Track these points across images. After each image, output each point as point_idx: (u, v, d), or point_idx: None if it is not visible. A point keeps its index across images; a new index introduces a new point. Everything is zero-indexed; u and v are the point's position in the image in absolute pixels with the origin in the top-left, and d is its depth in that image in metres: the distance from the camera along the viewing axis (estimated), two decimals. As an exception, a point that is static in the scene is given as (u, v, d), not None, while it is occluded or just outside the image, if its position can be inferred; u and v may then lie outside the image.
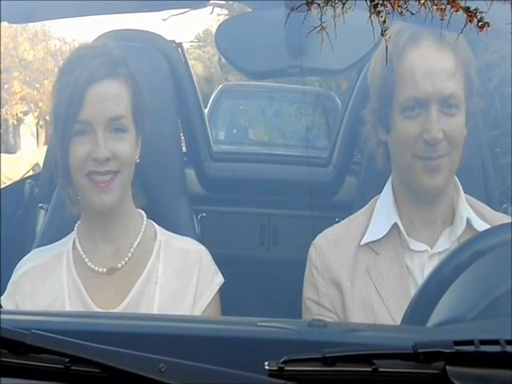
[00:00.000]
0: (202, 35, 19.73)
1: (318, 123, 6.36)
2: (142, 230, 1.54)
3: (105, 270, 1.49)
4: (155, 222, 1.59)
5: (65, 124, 1.44)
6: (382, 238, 1.50)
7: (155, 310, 1.46)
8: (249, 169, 2.28)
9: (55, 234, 1.64)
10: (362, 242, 1.51)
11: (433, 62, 1.48)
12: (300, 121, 6.63)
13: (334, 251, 1.52)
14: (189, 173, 2.10)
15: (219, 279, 1.55)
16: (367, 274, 1.48)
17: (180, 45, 2.01)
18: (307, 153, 3.16)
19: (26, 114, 15.04)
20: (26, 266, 1.53)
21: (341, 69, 1.19)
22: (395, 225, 1.50)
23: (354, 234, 1.53)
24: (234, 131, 7.40)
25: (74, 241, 1.53)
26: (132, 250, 1.51)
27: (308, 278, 1.54)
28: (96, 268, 1.49)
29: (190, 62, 2.11)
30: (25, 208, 1.99)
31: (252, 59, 1.19)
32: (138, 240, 1.53)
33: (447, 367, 0.80)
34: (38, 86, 14.62)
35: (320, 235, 1.57)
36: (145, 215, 1.57)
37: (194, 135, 2.14)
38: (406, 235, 1.49)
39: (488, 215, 1.55)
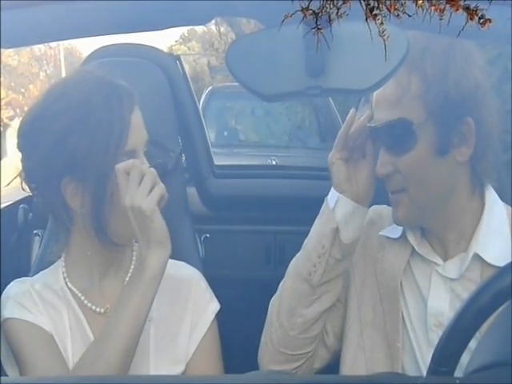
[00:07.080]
0: (186, 35, 19.65)
1: (323, 128, 6.25)
2: (134, 258, 1.42)
3: (102, 310, 1.38)
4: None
5: (107, 162, 1.29)
6: (397, 238, 1.42)
7: (151, 348, 1.37)
8: (253, 185, 2.19)
9: (51, 264, 1.52)
10: (380, 233, 1.44)
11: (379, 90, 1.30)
12: (302, 125, 6.52)
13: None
14: (190, 191, 2.00)
15: (215, 306, 1.45)
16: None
17: (178, 57, 1.93)
18: (311, 164, 3.08)
19: (11, 119, 14.88)
20: None
21: (363, 89, 1.09)
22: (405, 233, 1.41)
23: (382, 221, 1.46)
24: (225, 133, 7.30)
25: (66, 280, 1.40)
26: (125, 282, 1.38)
27: None
28: (93, 307, 1.38)
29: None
30: (19, 235, 1.89)
31: (267, 81, 1.09)
32: (130, 272, 1.40)
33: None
34: (23, 90, 14.46)
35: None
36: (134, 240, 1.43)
37: (195, 151, 2.05)
38: (415, 247, 1.39)
39: None
